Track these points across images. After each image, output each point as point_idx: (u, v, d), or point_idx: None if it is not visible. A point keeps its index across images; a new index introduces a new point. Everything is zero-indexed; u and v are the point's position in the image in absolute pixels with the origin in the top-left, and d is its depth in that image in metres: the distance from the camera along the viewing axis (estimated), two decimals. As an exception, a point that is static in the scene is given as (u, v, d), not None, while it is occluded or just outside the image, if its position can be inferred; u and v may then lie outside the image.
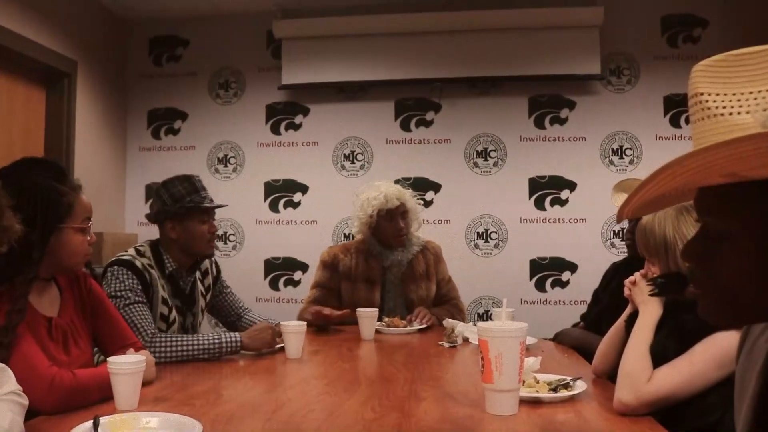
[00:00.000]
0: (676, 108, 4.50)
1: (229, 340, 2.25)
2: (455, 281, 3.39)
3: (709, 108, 0.78)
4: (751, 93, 0.76)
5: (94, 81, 4.51)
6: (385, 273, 3.20)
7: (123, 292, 2.21)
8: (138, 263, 2.32)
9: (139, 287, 2.26)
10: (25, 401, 1.34)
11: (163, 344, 2.16)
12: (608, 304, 2.49)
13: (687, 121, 4.35)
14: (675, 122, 4.51)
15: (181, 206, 2.42)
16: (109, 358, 1.57)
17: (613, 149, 4.55)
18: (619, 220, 0.81)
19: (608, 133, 4.57)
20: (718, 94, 0.77)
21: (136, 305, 2.20)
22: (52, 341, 1.68)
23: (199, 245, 2.47)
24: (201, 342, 2.21)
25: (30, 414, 1.38)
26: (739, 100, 0.76)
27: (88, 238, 1.79)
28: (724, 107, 0.76)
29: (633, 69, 4.58)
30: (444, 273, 3.32)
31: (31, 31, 3.80)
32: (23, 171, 1.60)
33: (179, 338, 2.20)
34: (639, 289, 1.74)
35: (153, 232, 4.42)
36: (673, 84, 4.52)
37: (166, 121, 4.96)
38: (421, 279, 3.21)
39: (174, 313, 2.42)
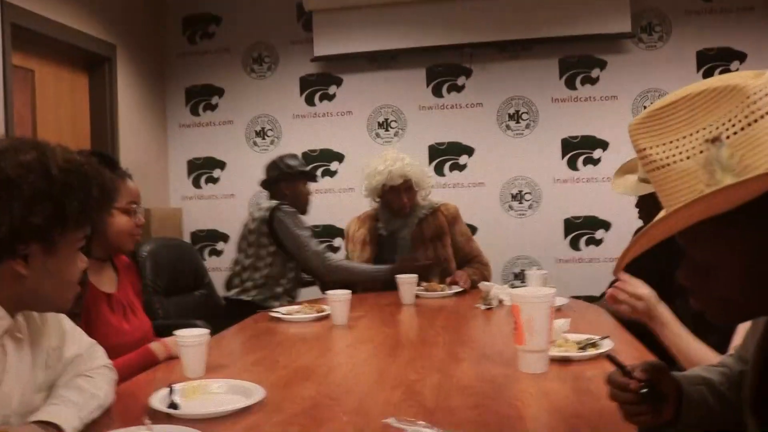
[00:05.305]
0: (710, 63, 4.49)
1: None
2: (490, 243, 3.50)
3: (654, 161, 0.87)
4: (684, 138, 0.84)
5: (133, 63, 4.67)
6: (380, 238, 3.40)
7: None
8: None
9: None
10: (115, 375, 1.48)
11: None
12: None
13: (719, 76, 4.35)
14: (709, 77, 4.48)
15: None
16: (177, 332, 1.72)
17: (645, 107, 4.55)
18: (616, 274, 0.94)
19: (640, 91, 4.59)
20: (658, 146, 0.86)
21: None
22: (113, 313, 1.93)
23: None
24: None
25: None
26: (677, 147, 0.85)
27: (136, 220, 1.98)
28: (667, 157, 0.85)
29: (664, 25, 4.56)
30: (462, 232, 3.41)
31: (72, 19, 3.95)
32: None
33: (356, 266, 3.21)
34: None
35: (195, 206, 4.62)
36: (705, 39, 4.51)
37: (204, 97, 5.11)
38: (431, 241, 3.32)
39: None
